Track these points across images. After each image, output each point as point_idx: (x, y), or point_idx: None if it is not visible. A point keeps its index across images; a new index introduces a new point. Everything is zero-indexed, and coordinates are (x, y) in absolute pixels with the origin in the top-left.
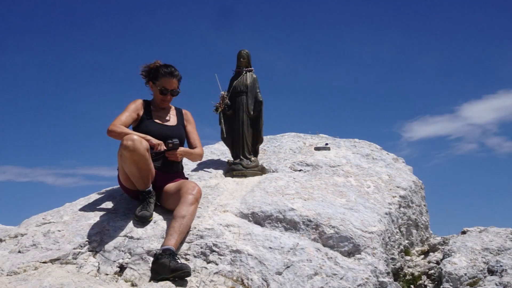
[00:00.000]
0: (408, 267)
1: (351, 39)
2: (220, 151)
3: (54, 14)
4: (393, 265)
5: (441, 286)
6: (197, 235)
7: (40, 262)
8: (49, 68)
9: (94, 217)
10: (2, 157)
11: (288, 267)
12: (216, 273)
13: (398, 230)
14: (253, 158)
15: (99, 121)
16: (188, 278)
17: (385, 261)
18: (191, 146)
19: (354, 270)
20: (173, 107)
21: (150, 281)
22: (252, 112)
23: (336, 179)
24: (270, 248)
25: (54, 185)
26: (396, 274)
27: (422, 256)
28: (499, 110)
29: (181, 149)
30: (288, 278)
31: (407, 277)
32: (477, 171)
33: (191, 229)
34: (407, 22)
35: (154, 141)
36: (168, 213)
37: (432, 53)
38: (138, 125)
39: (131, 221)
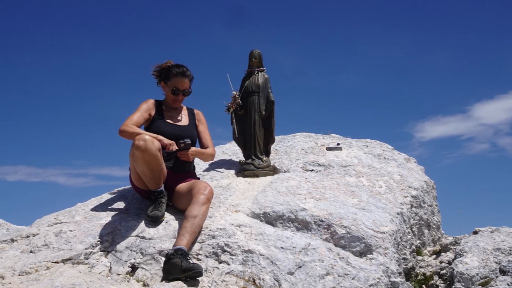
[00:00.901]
0: (420, 267)
1: (362, 39)
2: (232, 151)
3: (65, 14)
4: (405, 265)
5: (453, 286)
6: (208, 235)
7: (52, 262)
8: (60, 68)
9: (106, 217)
10: (14, 157)
11: (300, 267)
12: (228, 273)
13: (410, 230)
14: (264, 158)
15: (110, 121)
16: (200, 278)
17: (396, 261)
18: (202, 146)
19: (366, 270)
20: (184, 107)
21: (161, 281)
22: (264, 112)
23: (348, 179)
24: (282, 248)
25: (65, 185)
26: (408, 274)
27: (434, 256)
28: (511, 110)
29: (192, 149)
30: (300, 278)
31: (419, 277)
32: (489, 171)
33: (202, 229)
34: (418, 22)
35: (166, 141)
36: (180, 213)
37: (444, 53)
38: (150, 125)
39: (143, 221)
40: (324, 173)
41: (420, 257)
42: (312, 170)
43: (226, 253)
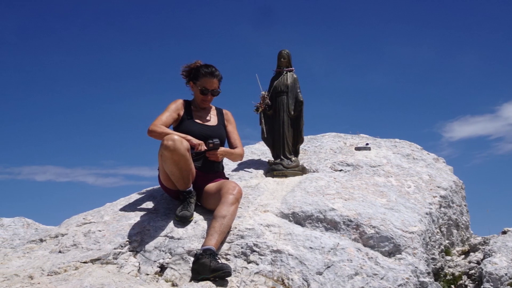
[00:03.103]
0: (449, 267)
1: (391, 39)
2: (260, 151)
3: (93, 14)
4: (434, 265)
5: (482, 286)
6: (237, 235)
7: (81, 262)
8: (89, 68)
9: (135, 217)
10: (43, 157)
11: (329, 267)
12: (257, 273)
13: (438, 230)
14: (293, 158)
15: (139, 121)
16: (228, 278)
17: (425, 261)
18: (231, 146)
19: (394, 270)
20: (213, 107)
21: (190, 281)
22: (292, 112)
23: (376, 179)
24: (311, 248)
25: (94, 185)
26: (437, 274)
27: (463, 256)
28: None
29: (221, 149)
30: (328, 278)
31: (448, 277)
32: None
33: (231, 229)
34: (447, 21)
35: (195, 141)
36: (209, 213)
37: (472, 52)
38: (179, 125)
39: (172, 221)
40: (353, 173)
41: (448, 257)
42: (341, 170)
43: (255, 253)
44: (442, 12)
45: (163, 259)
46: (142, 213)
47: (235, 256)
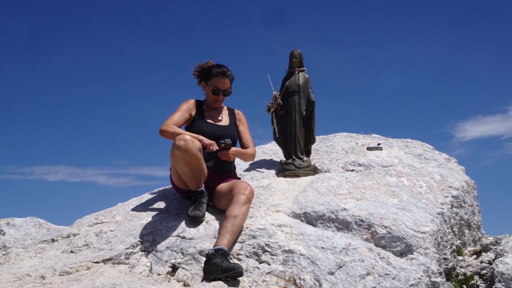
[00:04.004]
0: (461, 267)
1: (403, 38)
2: (272, 151)
3: (106, 14)
4: (445, 265)
5: (494, 286)
6: (249, 235)
7: (93, 262)
8: (100, 68)
9: (147, 217)
10: (55, 157)
11: (341, 267)
12: (269, 273)
13: (450, 230)
14: (305, 158)
15: (151, 121)
16: (240, 278)
17: (437, 261)
18: (243, 146)
19: (406, 270)
20: (225, 107)
21: (202, 281)
22: (304, 112)
23: (388, 179)
24: (323, 248)
25: (106, 185)
26: (449, 274)
27: (475, 256)
28: None
29: (233, 149)
30: (340, 278)
31: (460, 277)
32: None
33: (243, 229)
34: (460, 21)
35: (207, 141)
36: (221, 213)
37: (485, 52)
38: (191, 125)
39: (184, 221)
40: (364, 173)
41: (460, 257)
42: (352, 170)
43: (266, 253)
44: (455, 11)
45: (174, 259)
46: (153, 213)
47: (247, 256)
